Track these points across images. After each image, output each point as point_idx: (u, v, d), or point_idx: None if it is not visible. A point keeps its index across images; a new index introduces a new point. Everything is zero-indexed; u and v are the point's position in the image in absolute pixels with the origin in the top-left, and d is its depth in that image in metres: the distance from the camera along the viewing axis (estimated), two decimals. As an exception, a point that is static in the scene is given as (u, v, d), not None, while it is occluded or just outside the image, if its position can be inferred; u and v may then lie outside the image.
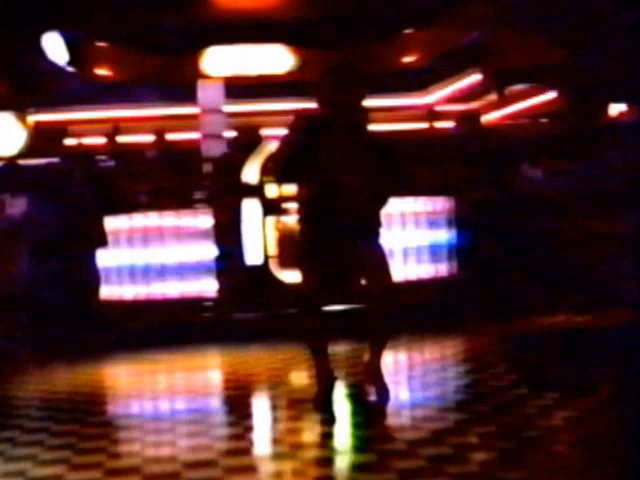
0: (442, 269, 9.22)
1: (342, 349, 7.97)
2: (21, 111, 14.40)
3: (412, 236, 9.09)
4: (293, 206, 8.88)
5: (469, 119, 10.33)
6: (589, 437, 4.88)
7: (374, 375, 5.98)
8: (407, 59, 13.18)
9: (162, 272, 8.65)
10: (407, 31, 12.18)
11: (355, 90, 5.63)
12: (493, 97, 13.64)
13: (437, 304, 8.79)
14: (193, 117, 13.56)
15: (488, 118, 13.62)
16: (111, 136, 14.09)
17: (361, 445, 5.05)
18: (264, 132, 9.86)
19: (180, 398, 6.70)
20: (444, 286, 9.11)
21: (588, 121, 10.37)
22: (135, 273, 8.67)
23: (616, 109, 11.53)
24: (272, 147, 8.89)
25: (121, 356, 8.04)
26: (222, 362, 7.99)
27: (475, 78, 13.80)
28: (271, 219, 8.80)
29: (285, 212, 8.86)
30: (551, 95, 13.16)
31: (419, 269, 9.12)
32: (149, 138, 12.57)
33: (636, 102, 11.34)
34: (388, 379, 6.04)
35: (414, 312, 8.45)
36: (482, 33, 11.93)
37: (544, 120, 12.40)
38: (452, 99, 14.64)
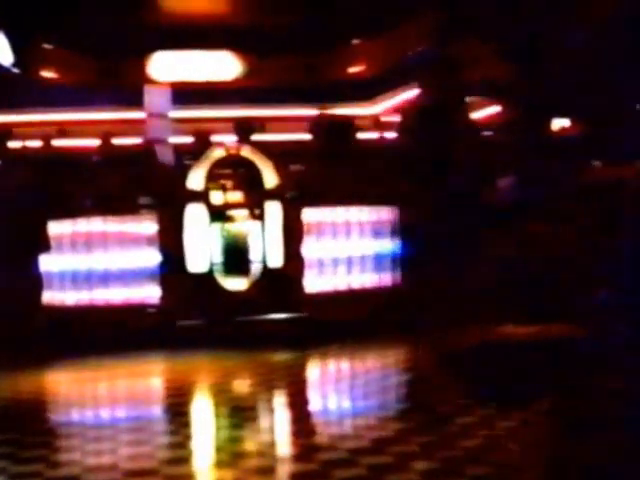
0: (386, 279, 9.24)
1: (283, 357, 8.00)
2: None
3: (356, 245, 9.11)
4: (238, 213, 8.95)
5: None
6: (528, 447, 4.96)
7: None
8: (355, 69, 13.26)
9: (105, 278, 8.55)
10: (356, 41, 12.26)
11: None
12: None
13: (380, 314, 8.82)
14: (140, 122, 13.46)
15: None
16: (56, 139, 13.90)
17: (302, 454, 5.06)
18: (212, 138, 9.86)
19: (122, 405, 6.64)
20: (388, 296, 9.13)
21: (533, 134, 10.52)
22: (78, 279, 8.55)
23: (558, 124, 11.74)
24: (218, 154, 8.91)
25: (63, 362, 7.93)
26: (165, 369, 7.93)
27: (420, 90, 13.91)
28: (217, 226, 8.78)
29: (231, 219, 8.87)
30: (496, 108, 13.32)
31: (363, 278, 9.14)
32: (95, 142, 12.41)
33: (581, 117, 11.58)
34: (330, 388, 6.06)
35: (357, 321, 8.56)
36: (431, 45, 12.02)
37: (489, 133, 12.54)
38: (399, 110, 14.75)
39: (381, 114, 14.85)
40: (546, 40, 10.74)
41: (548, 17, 10.38)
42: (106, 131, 11.61)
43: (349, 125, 10.31)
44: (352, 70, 13.32)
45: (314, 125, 10.58)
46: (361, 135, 13.63)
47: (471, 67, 11.36)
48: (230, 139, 9.56)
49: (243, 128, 9.36)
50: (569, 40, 10.58)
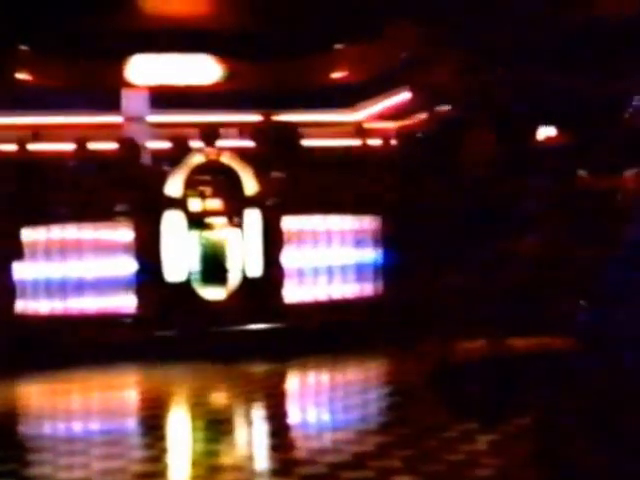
0: (367, 289, 9.25)
1: (262, 369, 7.98)
2: None
3: (338, 254, 9.12)
4: (217, 221, 8.94)
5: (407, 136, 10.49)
6: (511, 462, 4.97)
7: None
8: (338, 75, 13.29)
9: (80, 287, 8.49)
10: (338, 47, 12.29)
11: None
12: (423, 116, 13.81)
13: (361, 324, 8.82)
14: (116, 126, 13.43)
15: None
16: (30, 143, 13.83)
17: (281, 468, 5.05)
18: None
19: (95, 419, 6.61)
20: (369, 306, 9.14)
21: (515, 144, 10.58)
22: (52, 287, 8.49)
23: (544, 133, 11.80)
24: (197, 160, 8.90)
25: (35, 374, 7.86)
26: (140, 381, 7.89)
27: (405, 96, 13.98)
28: (195, 233, 8.76)
29: (209, 227, 8.85)
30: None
31: (344, 288, 9.14)
32: (70, 147, 12.36)
33: (566, 126, 11.63)
34: (310, 401, 6.06)
35: (338, 332, 8.55)
36: (413, 52, 12.08)
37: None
38: (382, 116, 14.81)
39: (364, 121, 14.89)
40: (526, 43, 10.81)
41: (528, 21, 10.44)
42: (82, 135, 11.56)
43: (294, 131, 10.32)
44: (334, 76, 13.34)
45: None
46: (344, 142, 13.72)
47: (451, 74, 11.44)
48: (221, 144, 9.54)
49: (207, 133, 9.34)
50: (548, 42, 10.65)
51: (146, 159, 12.22)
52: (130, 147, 10.27)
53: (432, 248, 9.16)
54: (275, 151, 9.05)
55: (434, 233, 9.14)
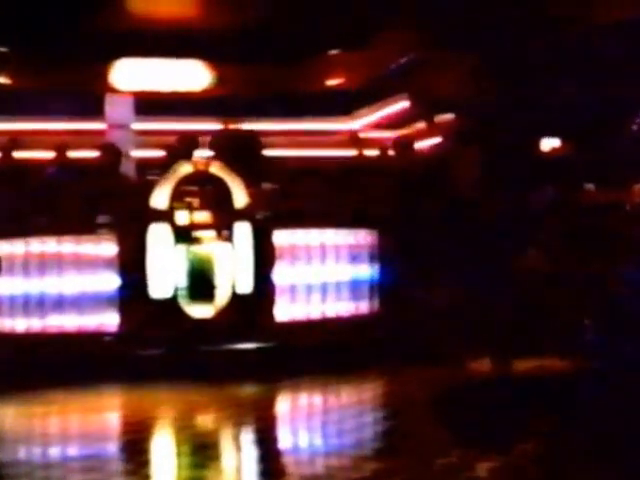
0: (363, 307, 9.28)
1: (251, 391, 7.98)
2: None
3: (332, 270, 9.14)
4: (205, 234, 8.96)
5: (403, 146, 10.53)
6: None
7: None
8: (332, 81, 13.33)
9: (59, 303, 8.50)
10: (333, 52, 12.34)
11: None
12: (422, 125, 13.87)
13: (357, 344, 8.84)
14: (99, 133, 13.44)
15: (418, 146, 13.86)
16: (7, 150, 13.84)
17: (271, 496, 5.06)
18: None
19: (74, 443, 6.60)
20: (365, 325, 9.17)
21: (517, 155, 10.64)
22: (29, 304, 8.51)
23: (549, 144, 11.85)
24: (184, 170, 8.92)
25: (11, 395, 7.85)
26: (123, 403, 7.89)
27: (403, 104, 14.04)
28: (182, 248, 8.78)
29: (197, 240, 8.86)
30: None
31: (338, 306, 9.17)
32: (50, 154, 12.36)
33: (571, 137, 11.70)
34: (301, 424, 6.08)
35: (332, 352, 8.56)
36: (411, 58, 12.14)
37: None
38: (378, 125, 14.87)
39: (360, 130, 14.94)
40: (531, 51, 10.87)
41: (532, 26, 10.52)
42: (62, 142, 11.58)
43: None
44: (329, 82, 13.39)
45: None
46: (339, 152, 13.76)
47: (450, 82, 11.50)
48: (199, 154, 9.58)
49: (185, 142, 9.38)
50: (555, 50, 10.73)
51: (130, 168, 12.25)
52: (112, 154, 10.28)
53: (431, 264, 9.20)
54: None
55: (433, 249, 9.19)
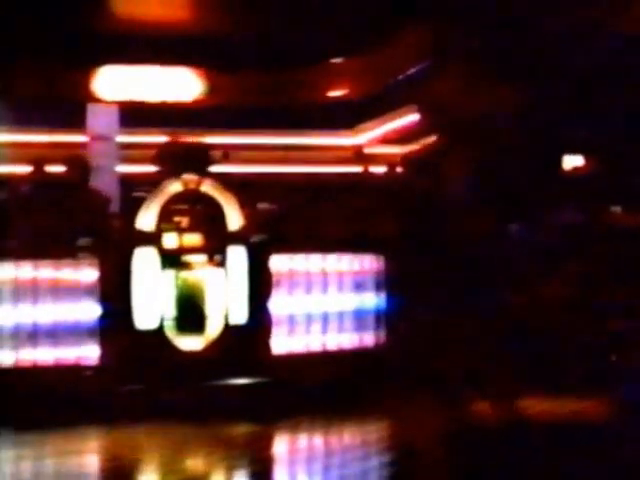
0: (368, 339, 9.28)
1: (245, 431, 7.93)
2: None
3: (334, 299, 9.14)
4: (196, 259, 8.93)
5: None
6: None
7: None
8: (335, 92, 13.36)
9: (34, 334, 8.43)
10: (336, 59, 12.38)
11: None
12: (432, 139, 13.88)
13: (361, 380, 8.81)
14: (80, 146, 13.44)
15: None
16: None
17: None
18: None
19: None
20: (370, 359, 9.15)
21: (540, 173, 10.66)
22: (2, 335, 8.42)
23: (571, 162, 11.86)
24: (173, 188, 8.91)
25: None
26: (103, 445, 7.82)
27: (412, 117, 14.04)
28: (169, 273, 8.76)
29: (186, 266, 8.85)
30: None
31: (341, 338, 9.17)
32: (25, 169, 12.33)
33: (593, 153, 11.70)
34: (300, 469, 6.04)
35: (333, 388, 8.55)
36: (422, 65, 12.15)
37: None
38: (385, 140, 14.87)
39: (365, 145, 14.96)
40: (552, 60, 10.90)
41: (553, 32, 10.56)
42: (39, 156, 11.55)
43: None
44: (332, 93, 13.41)
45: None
46: (342, 169, 13.76)
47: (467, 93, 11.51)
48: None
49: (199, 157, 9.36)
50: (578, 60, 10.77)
51: (113, 185, 12.23)
52: (79, 168, 10.25)
53: (440, 294, 9.18)
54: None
55: (442, 277, 9.16)
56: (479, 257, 9.35)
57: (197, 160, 9.41)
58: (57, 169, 11.72)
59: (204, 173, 9.16)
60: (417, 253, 9.30)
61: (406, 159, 11.47)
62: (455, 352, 8.91)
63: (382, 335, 9.32)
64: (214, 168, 9.39)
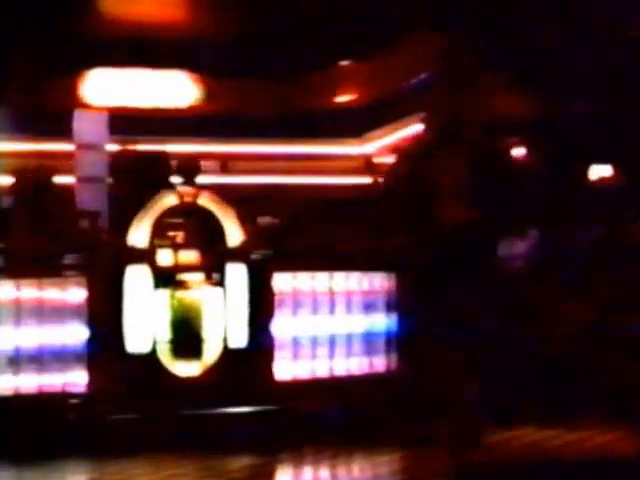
0: (378, 364, 9.27)
1: (245, 463, 7.92)
2: None
3: (342, 321, 9.13)
4: (192, 277, 8.89)
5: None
6: None
7: None
8: (342, 98, 13.39)
9: (16, 359, 8.36)
10: (344, 63, 12.41)
11: None
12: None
13: (370, 408, 8.80)
14: (66, 156, 13.46)
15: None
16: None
17: None
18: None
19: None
20: (380, 385, 9.13)
21: (563, 184, 10.69)
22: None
23: (597, 173, 11.90)
24: (168, 201, 8.88)
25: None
26: (91, 480, 7.78)
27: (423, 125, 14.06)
28: (163, 293, 8.73)
29: (182, 285, 8.82)
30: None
31: (349, 363, 9.16)
32: (7, 181, 12.36)
33: (620, 163, 11.70)
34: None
35: (341, 417, 8.57)
36: (434, 69, 12.17)
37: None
38: (396, 150, 14.88)
39: (374, 154, 14.98)
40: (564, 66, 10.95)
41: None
42: (21, 167, 11.56)
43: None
44: (339, 99, 13.45)
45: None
46: (350, 180, 13.77)
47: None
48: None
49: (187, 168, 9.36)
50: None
51: (102, 198, 12.19)
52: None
53: (456, 315, 9.12)
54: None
55: (458, 297, 9.11)
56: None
57: (155, 171, 9.44)
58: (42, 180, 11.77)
59: (163, 184, 9.13)
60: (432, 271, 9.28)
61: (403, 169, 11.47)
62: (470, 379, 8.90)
63: (393, 359, 9.29)
64: (204, 179, 9.42)
